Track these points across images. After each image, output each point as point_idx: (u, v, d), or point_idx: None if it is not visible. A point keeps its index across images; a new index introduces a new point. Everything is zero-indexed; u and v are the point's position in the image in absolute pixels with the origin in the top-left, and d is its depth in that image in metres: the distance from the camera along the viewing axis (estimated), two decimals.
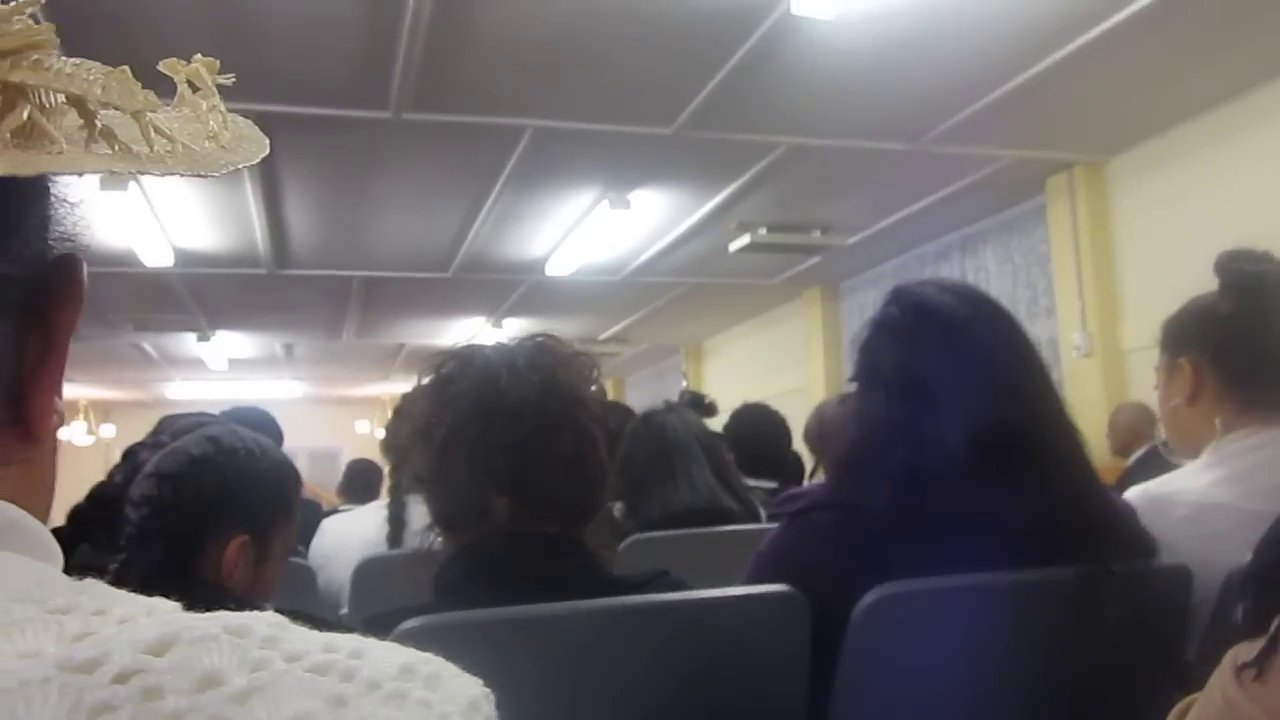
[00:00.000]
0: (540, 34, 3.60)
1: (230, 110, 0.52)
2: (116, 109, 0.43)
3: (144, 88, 0.52)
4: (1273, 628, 0.60)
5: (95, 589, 0.39)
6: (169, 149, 0.44)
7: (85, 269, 0.48)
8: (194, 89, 0.51)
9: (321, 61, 3.75)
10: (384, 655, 0.39)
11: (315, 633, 0.39)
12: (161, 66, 0.52)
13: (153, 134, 0.44)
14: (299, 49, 3.63)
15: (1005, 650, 1.20)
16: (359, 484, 4.96)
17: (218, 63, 0.53)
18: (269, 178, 5.01)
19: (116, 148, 0.42)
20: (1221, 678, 0.64)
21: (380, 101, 4.10)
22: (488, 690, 0.42)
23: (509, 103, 4.20)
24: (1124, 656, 1.26)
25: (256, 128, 0.53)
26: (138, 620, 0.36)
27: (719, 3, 3.39)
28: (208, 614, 0.37)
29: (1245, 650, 0.63)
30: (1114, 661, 1.26)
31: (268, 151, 0.51)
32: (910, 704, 1.20)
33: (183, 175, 0.45)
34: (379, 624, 1.06)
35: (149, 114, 0.44)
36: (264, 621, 0.38)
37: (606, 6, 3.39)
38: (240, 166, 0.48)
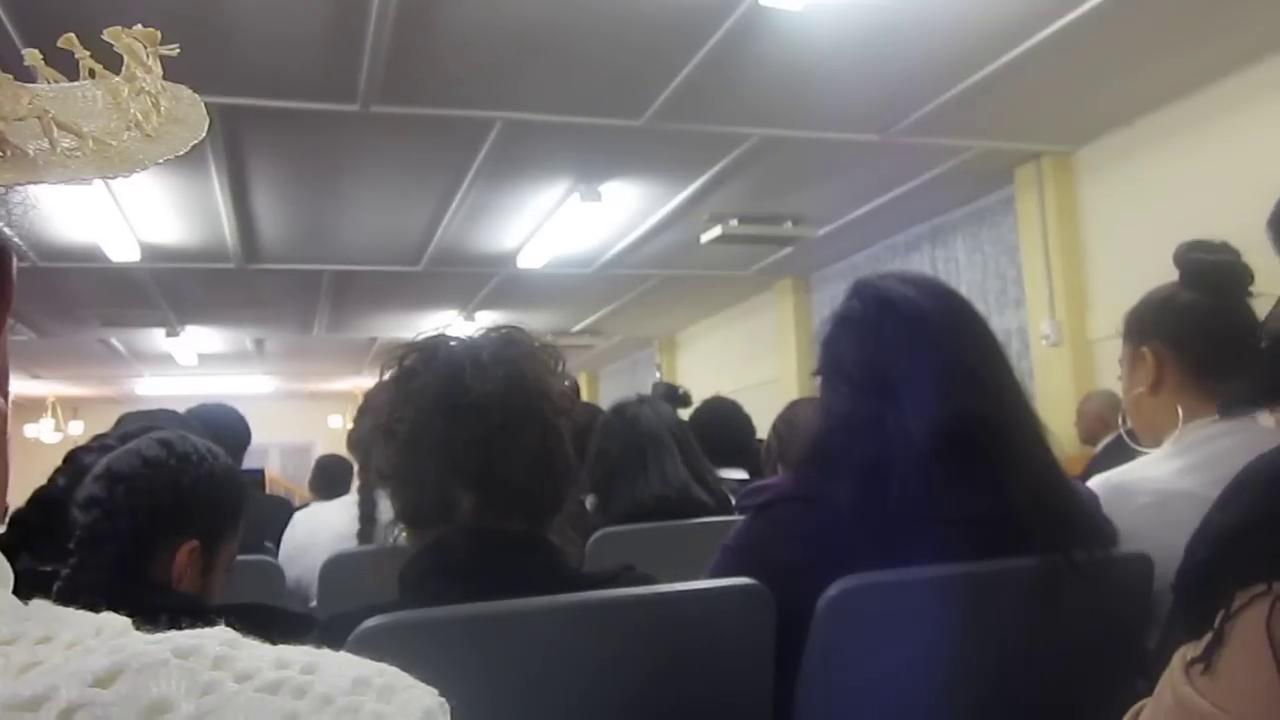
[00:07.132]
0: (509, 26, 3.57)
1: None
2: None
3: (105, 72, 0.49)
4: (1217, 621, 0.60)
5: (40, 613, 0.38)
6: (75, 147, 0.42)
7: (14, 265, 0.46)
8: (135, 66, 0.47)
9: (288, 54, 3.71)
10: (338, 669, 0.39)
11: (268, 648, 0.39)
12: (106, 35, 0.49)
13: (55, 132, 0.41)
14: (266, 42, 3.59)
15: (969, 640, 1.21)
16: (329, 479, 4.92)
17: (158, 34, 0.49)
18: (236, 171, 4.96)
19: (9, 153, 0.39)
20: (1171, 677, 0.64)
21: (348, 94, 4.06)
22: (443, 700, 0.41)
23: (478, 95, 4.18)
24: (1086, 645, 1.27)
25: (199, 102, 0.50)
26: (86, 643, 0.36)
27: None
28: (158, 635, 0.36)
29: (1192, 649, 0.63)
30: (1076, 650, 1.27)
31: (203, 134, 0.48)
32: (875, 695, 1.20)
33: (88, 180, 0.42)
34: (343, 623, 1.05)
35: (50, 111, 0.41)
36: (215, 640, 0.37)
37: None
38: (163, 160, 0.44)
